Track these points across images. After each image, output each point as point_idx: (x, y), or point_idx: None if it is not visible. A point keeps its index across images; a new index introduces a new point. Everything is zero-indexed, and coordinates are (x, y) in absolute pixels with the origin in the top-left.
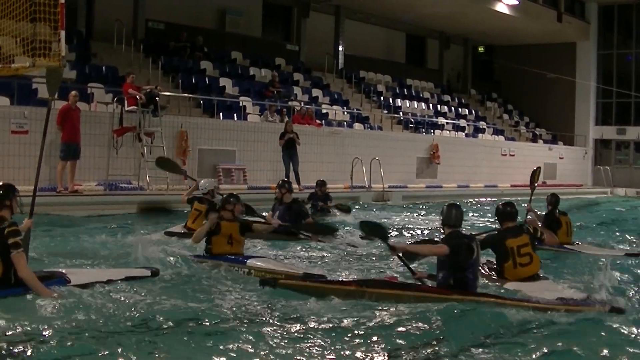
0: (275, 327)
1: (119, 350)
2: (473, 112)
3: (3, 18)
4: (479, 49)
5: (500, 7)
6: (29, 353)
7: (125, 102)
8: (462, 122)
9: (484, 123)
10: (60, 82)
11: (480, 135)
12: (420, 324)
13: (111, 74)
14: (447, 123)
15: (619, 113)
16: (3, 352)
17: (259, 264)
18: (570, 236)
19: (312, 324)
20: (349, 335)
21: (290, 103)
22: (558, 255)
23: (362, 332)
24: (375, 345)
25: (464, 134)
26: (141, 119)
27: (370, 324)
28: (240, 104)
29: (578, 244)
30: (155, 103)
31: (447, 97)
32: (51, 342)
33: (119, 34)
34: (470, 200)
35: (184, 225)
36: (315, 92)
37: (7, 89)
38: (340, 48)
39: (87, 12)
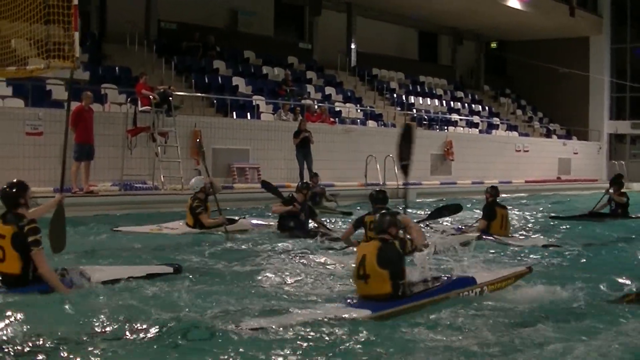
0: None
1: (137, 349)
2: (486, 108)
3: (17, 21)
4: (492, 45)
5: (513, 3)
6: (45, 351)
7: (139, 102)
8: (476, 119)
9: (498, 119)
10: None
11: (494, 131)
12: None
13: (124, 75)
14: (460, 119)
15: (633, 107)
16: (20, 350)
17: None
18: (504, 229)
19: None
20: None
21: (303, 101)
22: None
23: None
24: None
25: (477, 130)
26: (155, 119)
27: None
28: (254, 103)
29: (513, 236)
30: (169, 103)
31: (460, 94)
32: (68, 340)
33: (131, 34)
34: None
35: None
36: (328, 90)
37: (21, 90)
38: (353, 46)
39: (99, 14)
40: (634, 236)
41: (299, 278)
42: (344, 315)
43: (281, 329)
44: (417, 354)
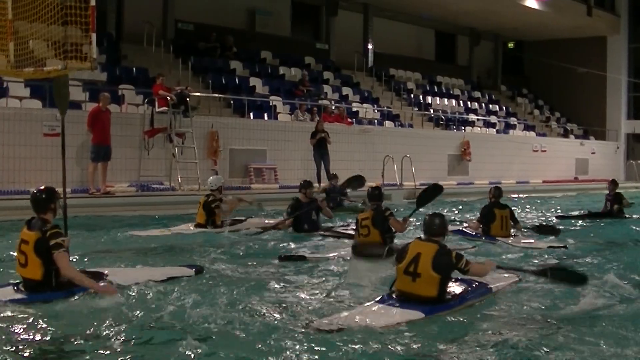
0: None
1: (160, 352)
2: (503, 108)
3: (35, 22)
4: (509, 45)
5: (530, 2)
6: (68, 356)
7: (156, 103)
8: (493, 119)
9: (515, 119)
10: (68, 98)
11: (511, 131)
12: None
13: (141, 76)
14: (477, 119)
15: None
16: (43, 354)
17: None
18: (505, 229)
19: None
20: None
21: (320, 102)
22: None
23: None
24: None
25: (494, 130)
26: (172, 120)
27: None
28: (271, 104)
29: (516, 236)
30: (186, 104)
31: (477, 94)
32: (91, 345)
33: (148, 35)
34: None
35: (193, 225)
36: (345, 90)
37: (39, 92)
38: (370, 46)
39: (116, 15)
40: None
41: (325, 277)
42: (396, 317)
43: (349, 329)
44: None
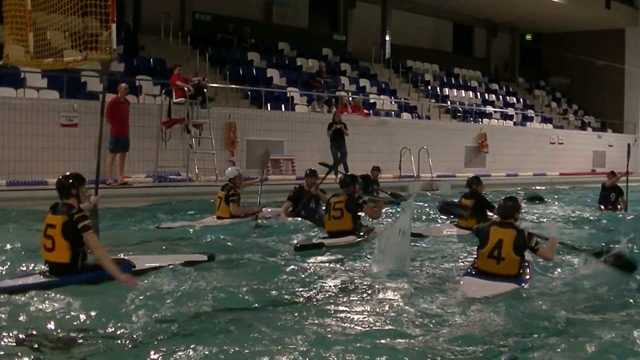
0: (337, 316)
1: (182, 336)
2: (521, 100)
3: (54, 13)
4: (527, 37)
5: None
6: (94, 338)
7: (173, 94)
8: (510, 111)
9: (532, 111)
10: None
11: (528, 123)
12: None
13: (159, 67)
14: (495, 112)
15: None
16: (69, 337)
17: None
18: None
19: (372, 317)
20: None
21: (337, 93)
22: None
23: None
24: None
25: (512, 122)
26: (189, 111)
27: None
28: (288, 95)
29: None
30: (203, 95)
31: (494, 86)
32: (118, 328)
33: (166, 26)
34: (519, 189)
35: (215, 217)
36: (363, 82)
37: (56, 82)
38: (387, 38)
39: (134, 5)
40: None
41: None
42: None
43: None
44: None
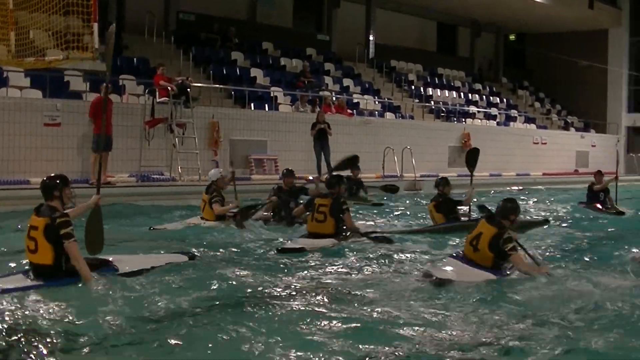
0: (317, 313)
1: (162, 337)
2: (504, 100)
3: (36, 12)
4: (510, 37)
5: None
6: (74, 342)
7: (157, 93)
8: (494, 111)
9: (516, 111)
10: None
11: (511, 123)
12: None
13: (143, 66)
14: (478, 111)
15: None
16: (50, 339)
17: None
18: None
19: (352, 314)
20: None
21: (321, 93)
22: None
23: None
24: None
25: (495, 122)
26: (173, 110)
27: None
28: (272, 95)
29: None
30: (187, 94)
31: (478, 86)
32: (98, 330)
33: (150, 25)
34: (502, 189)
35: (200, 217)
36: (347, 81)
37: (39, 81)
38: (371, 37)
39: (118, 5)
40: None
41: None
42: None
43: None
44: None
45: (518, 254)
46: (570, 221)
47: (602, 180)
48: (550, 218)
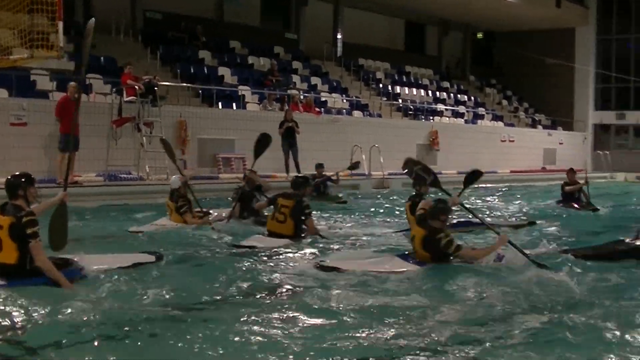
0: (283, 313)
1: (126, 339)
2: (472, 98)
3: (0, 10)
4: (478, 35)
5: None
6: (38, 342)
7: (124, 92)
8: (461, 109)
9: (483, 109)
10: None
11: (479, 121)
12: None
13: (110, 65)
14: (446, 109)
15: (618, 98)
16: (14, 341)
17: None
18: None
19: (324, 312)
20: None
21: (289, 91)
22: None
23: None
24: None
25: (463, 120)
26: (140, 109)
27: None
28: (239, 93)
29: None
30: (154, 93)
31: (446, 84)
32: (61, 330)
33: (117, 24)
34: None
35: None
36: (314, 80)
37: (5, 81)
38: (339, 36)
39: (84, 3)
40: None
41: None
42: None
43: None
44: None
45: (462, 252)
46: (549, 220)
47: (574, 177)
48: (537, 221)
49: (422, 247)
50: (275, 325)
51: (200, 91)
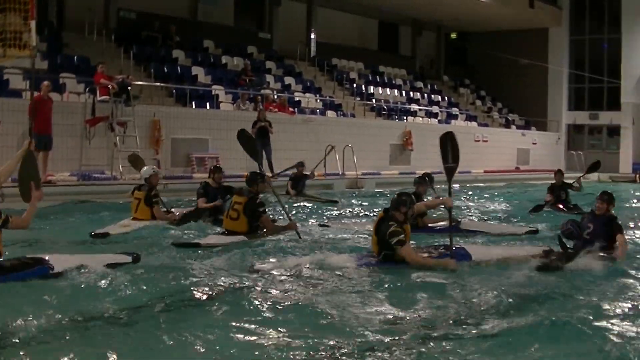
0: (261, 312)
1: (96, 339)
2: (446, 98)
3: None
4: (452, 35)
5: None
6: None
7: (98, 92)
8: (435, 109)
9: (457, 109)
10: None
11: (453, 121)
12: None
13: (83, 64)
14: (419, 109)
15: (591, 98)
16: None
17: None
18: None
19: (298, 310)
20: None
21: (262, 91)
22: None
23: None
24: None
25: (436, 120)
26: (113, 109)
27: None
28: (213, 93)
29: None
30: (128, 92)
31: (419, 84)
32: (26, 331)
33: (90, 23)
34: (443, 186)
35: (131, 218)
36: (288, 80)
37: None
38: (313, 36)
39: (58, 2)
40: None
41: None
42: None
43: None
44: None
45: (404, 248)
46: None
47: (562, 179)
48: (535, 227)
49: (375, 233)
50: (235, 326)
51: (173, 91)
